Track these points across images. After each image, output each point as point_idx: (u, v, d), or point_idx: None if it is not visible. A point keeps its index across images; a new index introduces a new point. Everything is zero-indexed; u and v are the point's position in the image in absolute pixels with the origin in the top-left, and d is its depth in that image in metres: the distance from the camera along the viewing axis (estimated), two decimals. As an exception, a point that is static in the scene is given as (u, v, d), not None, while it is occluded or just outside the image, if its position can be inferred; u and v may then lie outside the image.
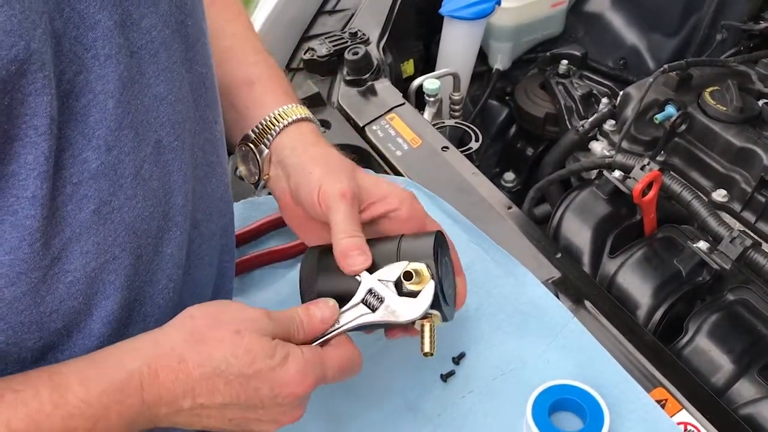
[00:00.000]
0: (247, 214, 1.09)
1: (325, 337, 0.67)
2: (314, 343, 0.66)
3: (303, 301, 0.70)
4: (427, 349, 0.68)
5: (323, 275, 0.71)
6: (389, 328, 0.71)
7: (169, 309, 0.67)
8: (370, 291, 0.67)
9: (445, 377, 0.86)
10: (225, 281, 0.81)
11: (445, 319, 0.70)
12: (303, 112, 0.79)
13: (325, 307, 0.66)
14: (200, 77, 0.68)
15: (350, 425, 0.83)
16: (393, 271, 0.67)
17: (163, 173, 0.62)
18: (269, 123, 0.77)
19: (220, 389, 0.60)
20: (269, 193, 1.13)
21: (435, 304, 0.67)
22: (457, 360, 0.88)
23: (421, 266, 0.66)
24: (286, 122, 0.77)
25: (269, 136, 0.77)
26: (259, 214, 1.09)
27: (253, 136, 0.78)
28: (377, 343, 0.88)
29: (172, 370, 0.58)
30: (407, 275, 0.65)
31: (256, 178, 0.78)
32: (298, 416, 0.65)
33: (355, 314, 0.67)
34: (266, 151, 0.77)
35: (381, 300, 0.67)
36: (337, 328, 0.67)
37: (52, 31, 0.50)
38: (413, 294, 0.66)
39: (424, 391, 0.85)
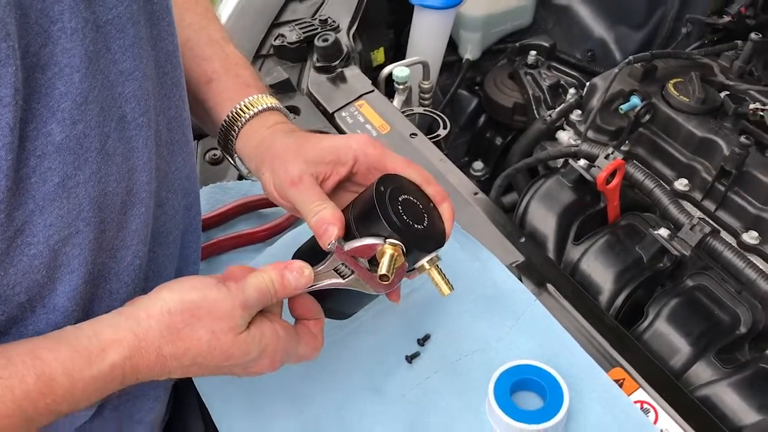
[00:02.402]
0: (215, 197, 1.09)
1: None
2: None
3: None
4: (446, 291, 0.71)
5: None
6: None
7: (134, 286, 0.67)
8: (342, 263, 0.69)
9: (410, 359, 0.87)
10: (189, 262, 0.81)
11: (434, 249, 0.70)
12: (260, 103, 0.79)
13: (300, 276, 0.67)
14: (166, 55, 0.68)
15: (316, 406, 0.84)
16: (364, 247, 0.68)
17: (127, 149, 0.63)
18: (228, 126, 0.79)
19: (195, 371, 0.65)
20: (240, 178, 1.13)
21: (419, 249, 0.68)
22: (422, 342, 0.89)
23: (391, 253, 0.66)
24: (241, 123, 0.78)
25: (231, 141, 0.79)
26: (228, 198, 1.09)
27: (222, 143, 0.81)
28: (345, 327, 0.89)
29: (150, 363, 0.61)
30: (383, 277, 0.66)
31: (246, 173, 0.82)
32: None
33: (324, 278, 0.70)
34: (236, 155, 0.80)
35: (352, 271, 0.69)
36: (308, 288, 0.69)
37: (17, 1, 0.50)
38: (384, 277, 0.66)
39: (390, 373, 0.86)
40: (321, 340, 0.72)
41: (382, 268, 0.65)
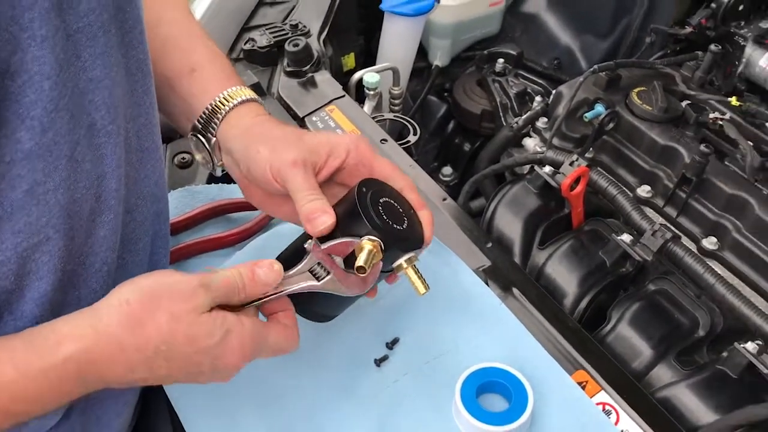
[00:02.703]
0: (184, 202, 1.09)
1: (265, 299, 0.68)
2: (253, 304, 0.68)
3: None
4: (422, 290, 0.72)
5: None
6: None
7: (103, 293, 0.67)
8: (319, 264, 0.69)
9: (378, 362, 0.88)
10: (158, 267, 0.81)
11: (411, 249, 0.72)
12: (243, 93, 0.80)
13: (270, 271, 0.67)
14: (137, 63, 0.69)
15: (286, 409, 0.84)
16: (341, 248, 0.69)
17: (96, 156, 0.63)
18: (211, 112, 0.78)
19: (161, 365, 0.62)
20: (210, 180, 1.13)
21: (397, 248, 0.70)
22: (391, 345, 0.90)
23: (369, 248, 0.67)
24: (227, 109, 0.78)
25: (213, 125, 0.78)
26: (196, 202, 1.09)
27: (200, 126, 0.79)
28: (314, 331, 0.89)
29: (110, 356, 0.60)
30: (360, 269, 0.67)
31: (212, 165, 0.80)
32: (229, 378, 0.69)
33: (299, 281, 0.69)
34: (213, 139, 0.78)
35: (327, 273, 0.69)
36: (279, 292, 0.69)
37: None
38: (361, 269, 0.68)
39: (359, 376, 0.87)
40: (295, 331, 0.71)
41: (360, 260, 0.67)
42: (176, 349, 0.62)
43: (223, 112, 0.78)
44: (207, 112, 0.78)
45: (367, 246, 0.67)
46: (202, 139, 0.79)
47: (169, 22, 0.83)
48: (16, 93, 0.54)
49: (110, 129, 0.64)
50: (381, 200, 0.71)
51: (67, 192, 0.60)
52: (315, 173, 0.73)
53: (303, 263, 0.70)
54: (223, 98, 0.78)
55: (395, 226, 0.70)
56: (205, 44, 0.84)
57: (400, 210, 0.73)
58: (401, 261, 0.71)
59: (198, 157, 0.82)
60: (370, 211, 0.68)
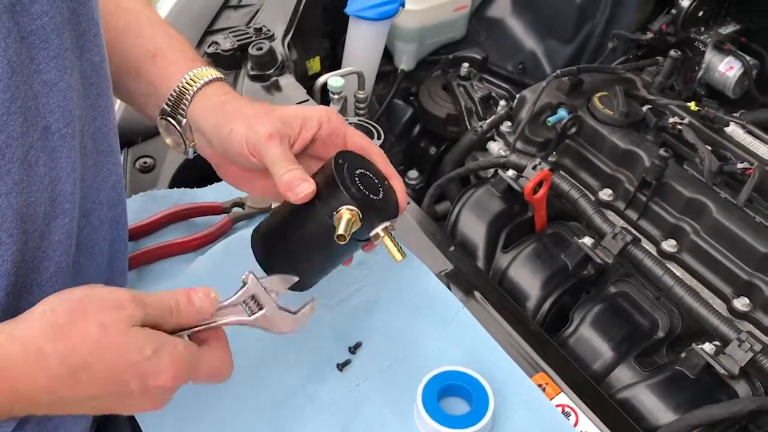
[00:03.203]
0: (145, 207, 1.08)
1: (196, 329, 0.66)
2: (185, 332, 0.65)
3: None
4: (399, 257, 0.74)
5: (271, 258, 0.76)
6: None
7: None
8: (252, 297, 0.69)
9: (341, 366, 0.88)
10: (116, 273, 0.80)
11: (388, 218, 0.74)
12: (208, 74, 0.80)
13: (206, 298, 0.65)
14: (92, 65, 0.68)
15: (248, 412, 0.84)
16: (279, 282, 0.71)
17: (50, 159, 0.62)
18: (179, 93, 0.79)
19: (84, 382, 0.58)
20: (172, 185, 1.12)
21: (375, 217, 0.72)
22: (354, 349, 0.90)
23: (348, 216, 0.70)
24: (194, 89, 0.78)
25: (183, 106, 0.78)
26: (158, 206, 1.08)
27: (169, 108, 0.79)
28: (275, 335, 0.89)
29: (28, 365, 0.56)
30: (340, 237, 0.69)
31: (184, 147, 0.81)
32: (162, 406, 0.65)
33: (231, 313, 0.69)
34: (184, 121, 0.79)
35: (260, 307, 0.69)
36: (210, 323, 0.67)
37: None
38: (341, 237, 0.70)
39: (321, 380, 0.87)
40: (229, 356, 0.69)
41: (339, 229, 0.69)
42: (103, 363, 0.58)
43: (191, 92, 0.78)
44: (175, 93, 0.79)
45: (346, 215, 0.70)
46: (173, 122, 0.79)
47: (126, 9, 0.83)
48: None
49: (65, 132, 0.63)
50: (357, 171, 0.74)
51: (20, 196, 0.59)
52: (290, 145, 0.75)
53: (237, 294, 0.69)
54: (190, 79, 0.79)
55: (372, 196, 0.73)
56: (165, 30, 0.85)
57: (376, 181, 0.76)
58: (378, 230, 0.74)
59: (168, 141, 0.82)
60: (347, 181, 0.71)
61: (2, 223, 0.59)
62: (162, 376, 0.60)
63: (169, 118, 0.79)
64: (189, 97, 0.78)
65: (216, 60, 1.33)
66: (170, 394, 0.64)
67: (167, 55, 0.81)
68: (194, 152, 0.82)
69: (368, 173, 0.76)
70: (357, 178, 0.73)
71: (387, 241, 0.74)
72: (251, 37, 1.34)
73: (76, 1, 0.65)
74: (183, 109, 0.78)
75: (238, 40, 1.33)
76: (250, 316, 0.69)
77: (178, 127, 0.79)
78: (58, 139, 0.63)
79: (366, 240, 0.75)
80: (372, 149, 0.79)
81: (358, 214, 0.70)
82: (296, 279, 0.71)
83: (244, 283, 0.69)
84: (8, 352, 0.56)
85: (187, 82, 0.79)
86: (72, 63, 0.64)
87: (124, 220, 0.81)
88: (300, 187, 0.71)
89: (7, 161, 0.57)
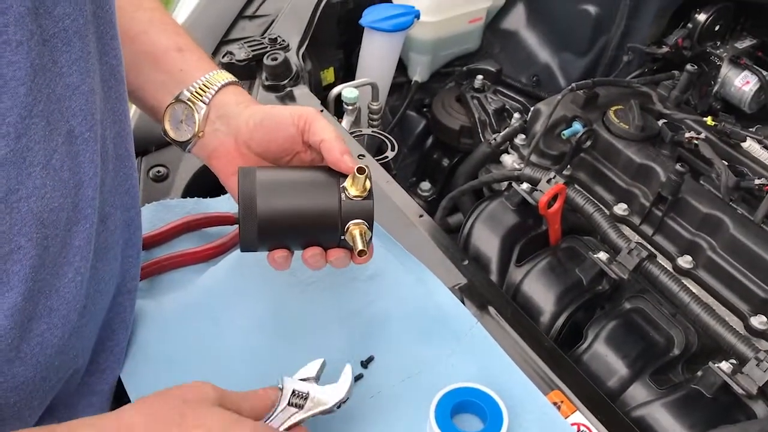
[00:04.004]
0: (158, 216, 1.08)
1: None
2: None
3: (241, 225, 0.75)
4: (360, 246, 0.75)
5: (262, 194, 0.74)
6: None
7: (75, 303, 0.66)
8: (293, 393, 0.73)
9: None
10: (127, 278, 0.80)
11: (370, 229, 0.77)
12: (231, 77, 0.85)
13: (270, 390, 0.72)
14: (110, 69, 0.68)
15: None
16: (310, 369, 0.76)
17: (74, 164, 0.62)
18: (207, 83, 0.82)
19: None
20: (185, 194, 1.12)
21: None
22: (366, 363, 0.89)
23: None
24: (222, 82, 0.82)
25: (207, 94, 0.81)
26: (171, 216, 1.07)
27: (189, 95, 0.81)
28: (288, 348, 0.89)
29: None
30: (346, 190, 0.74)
31: (189, 136, 0.82)
32: None
33: (285, 417, 0.72)
34: (204, 108, 0.81)
35: (305, 397, 0.73)
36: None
37: None
38: (362, 252, 0.74)
39: (332, 394, 0.86)
40: None
41: (358, 245, 0.74)
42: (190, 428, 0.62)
43: (219, 84, 0.82)
44: (199, 83, 0.82)
45: (356, 231, 0.74)
46: (193, 107, 0.81)
47: (151, 8, 0.87)
48: None
49: (87, 136, 0.63)
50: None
51: (42, 200, 0.59)
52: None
53: (282, 399, 0.73)
54: (216, 74, 0.83)
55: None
56: (188, 35, 0.88)
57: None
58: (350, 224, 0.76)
59: (171, 127, 0.84)
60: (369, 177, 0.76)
61: (21, 228, 0.58)
62: None
63: (189, 102, 0.82)
64: (216, 87, 0.82)
65: (231, 70, 1.31)
66: None
67: (195, 53, 0.86)
68: (192, 146, 0.84)
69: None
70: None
71: (356, 234, 0.75)
72: (266, 47, 1.34)
73: (97, 4, 0.65)
74: (208, 97, 0.81)
75: (253, 50, 1.33)
76: (301, 408, 0.73)
77: (197, 113, 0.81)
78: (82, 143, 0.62)
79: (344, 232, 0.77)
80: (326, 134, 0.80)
81: (365, 224, 0.75)
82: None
83: (281, 388, 0.73)
84: None
85: (215, 76, 0.83)
86: (94, 66, 0.64)
87: (137, 223, 0.81)
88: (349, 158, 0.74)
89: (28, 165, 0.57)
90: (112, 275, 0.75)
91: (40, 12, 0.56)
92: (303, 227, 0.76)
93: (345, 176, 0.76)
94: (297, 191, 0.76)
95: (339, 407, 0.75)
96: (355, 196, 0.75)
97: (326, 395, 0.74)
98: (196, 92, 0.81)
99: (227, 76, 0.84)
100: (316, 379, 0.76)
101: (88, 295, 0.69)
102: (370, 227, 0.76)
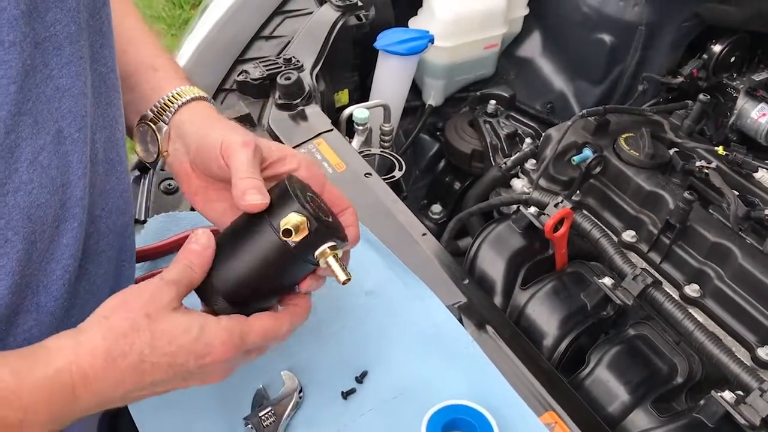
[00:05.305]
0: (166, 227, 1.09)
1: None
2: None
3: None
4: (343, 277, 0.72)
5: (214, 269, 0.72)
6: None
7: (63, 301, 0.67)
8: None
9: (345, 395, 0.87)
10: (123, 283, 0.81)
11: (337, 237, 0.73)
12: (201, 92, 0.83)
13: (202, 234, 0.70)
14: (101, 77, 0.70)
15: (247, 437, 0.83)
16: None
17: (62, 163, 0.63)
18: (167, 102, 0.81)
19: (147, 371, 0.64)
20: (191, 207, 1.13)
21: (323, 231, 0.70)
22: (360, 379, 0.89)
23: (298, 219, 0.69)
24: (183, 100, 0.81)
25: (168, 113, 0.80)
26: (179, 228, 1.09)
27: (152, 115, 0.81)
28: (284, 362, 0.89)
29: (100, 368, 0.61)
30: (286, 232, 0.68)
31: (155, 156, 0.82)
32: (224, 377, 0.70)
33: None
34: (165, 128, 0.80)
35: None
36: None
37: None
38: (287, 232, 0.69)
39: (325, 408, 0.86)
40: (279, 317, 0.72)
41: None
42: (159, 350, 0.63)
43: (179, 102, 0.81)
44: (161, 102, 0.81)
45: (294, 218, 0.68)
46: (153, 127, 0.81)
47: (132, 27, 0.86)
48: None
49: (77, 137, 0.65)
50: (308, 195, 0.73)
51: (29, 195, 0.61)
52: (261, 166, 0.75)
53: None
54: (180, 91, 0.82)
55: (321, 215, 0.72)
56: (167, 54, 0.88)
57: (326, 208, 0.75)
58: (325, 247, 0.71)
59: (139, 148, 0.84)
60: (300, 197, 0.71)
61: (9, 221, 0.60)
62: (214, 351, 0.66)
63: (150, 123, 0.81)
64: (177, 105, 0.80)
65: (245, 88, 1.35)
66: (231, 364, 0.69)
67: (168, 72, 0.84)
68: (162, 166, 0.83)
69: (319, 201, 0.75)
70: (308, 199, 0.72)
71: (332, 261, 0.72)
72: (280, 67, 1.36)
73: (90, 13, 0.67)
74: (167, 116, 0.80)
75: (267, 70, 1.35)
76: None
77: (158, 134, 0.81)
78: (70, 144, 0.64)
79: (314, 261, 0.73)
80: (345, 203, 0.79)
81: (307, 222, 0.69)
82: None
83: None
84: (82, 358, 0.61)
85: (177, 93, 0.81)
86: (85, 71, 0.66)
87: (131, 230, 0.82)
88: (253, 195, 0.69)
89: (15, 160, 0.59)
90: (105, 279, 0.76)
91: (33, 16, 0.58)
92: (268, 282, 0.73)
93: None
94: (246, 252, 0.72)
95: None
96: (296, 239, 0.69)
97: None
98: (157, 112, 0.81)
99: (191, 92, 0.82)
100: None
101: (77, 294, 0.70)
102: (338, 243, 0.72)
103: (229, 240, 0.73)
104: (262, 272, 0.71)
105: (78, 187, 0.65)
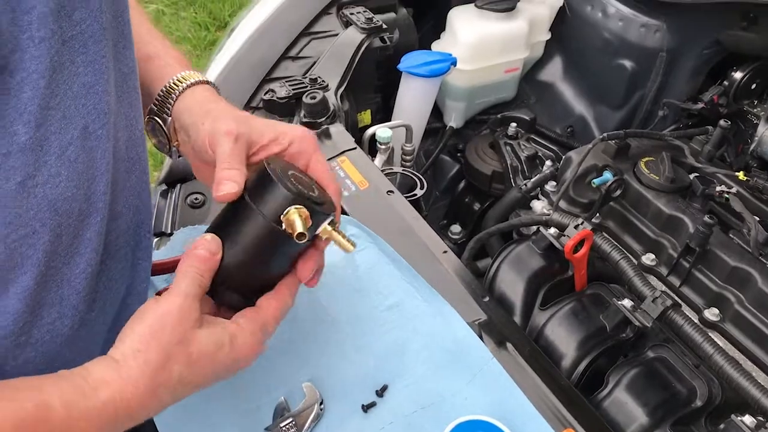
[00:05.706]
0: (192, 240, 1.11)
1: None
2: None
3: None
4: (351, 248, 0.75)
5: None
6: None
7: (85, 295, 0.69)
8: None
9: (366, 408, 0.88)
10: (138, 281, 0.82)
11: (329, 212, 0.75)
12: (197, 76, 0.84)
13: (209, 241, 0.73)
14: (123, 77, 0.72)
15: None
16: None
17: (88, 158, 0.65)
18: (166, 92, 0.83)
19: (187, 389, 0.69)
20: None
21: (320, 212, 0.73)
22: (381, 392, 0.90)
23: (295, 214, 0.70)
24: (181, 88, 0.82)
25: (168, 105, 0.83)
26: (203, 240, 1.10)
27: (156, 108, 0.83)
28: (302, 371, 0.90)
29: (142, 396, 0.65)
30: (290, 229, 0.70)
31: (168, 147, 0.85)
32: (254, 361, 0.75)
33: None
34: (169, 119, 0.83)
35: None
36: None
37: None
38: (302, 236, 0.70)
39: (345, 420, 0.87)
40: (284, 295, 0.76)
41: (298, 227, 0.70)
42: (198, 370, 0.68)
43: (178, 91, 0.82)
44: (162, 92, 0.83)
45: (295, 214, 0.70)
46: (158, 120, 0.83)
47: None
48: (15, 89, 0.57)
49: (100, 134, 0.67)
50: (289, 173, 0.74)
51: (56, 188, 0.63)
52: (251, 151, 0.77)
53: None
54: (178, 79, 0.83)
55: (309, 193, 0.73)
56: (160, 39, 0.89)
57: (307, 181, 0.77)
58: (325, 225, 0.74)
59: (153, 141, 0.86)
60: (284, 180, 0.71)
61: (37, 213, 0.62)
62: (247, 355, 0.73)
63: (156, 117, 0.83)
64: (175, 96, 0.82)
65: (271, 106, 1.38)
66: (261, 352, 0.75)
67: (162, 58, 0.86)
68: (178, 154, 0.86)
69: (298, 174, 0.76)
70: (291, 178, 0.73)
71: (336, 235, 0.75)
72: (306, 86, 1.39)
73: (112, 14, 0.69)
74: (169, 107, 0.82)
75: (293, 89, 1.38)
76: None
77: (164, 127, 0.83)
78: (95, 140, 0.66)
79: (314, 238, 0.75)
80: (330, 180, 0.80)
81: (305, 210, 0.71)
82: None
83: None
84: (122, 388, 0.64)
85: (174, 82, 0.83)
86: (109, 70, 0.68)
87: (148, 227, 0.83)
88: (227, 185, 0.72)
89: (45, 152, 0.61)
90: (122, 276, 0.78)
91: (60, 14, 0.61)
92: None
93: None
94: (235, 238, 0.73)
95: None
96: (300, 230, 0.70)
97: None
98: (160, 104, 0.83)
99: (188, 78, 0.83)
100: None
101: (98, 289, 0.71)
102: (332, 216, 0.75)
103: (224, 234, 0.74)
104: (268, 261, 0.75)
105: (101, 183, 0.68)
